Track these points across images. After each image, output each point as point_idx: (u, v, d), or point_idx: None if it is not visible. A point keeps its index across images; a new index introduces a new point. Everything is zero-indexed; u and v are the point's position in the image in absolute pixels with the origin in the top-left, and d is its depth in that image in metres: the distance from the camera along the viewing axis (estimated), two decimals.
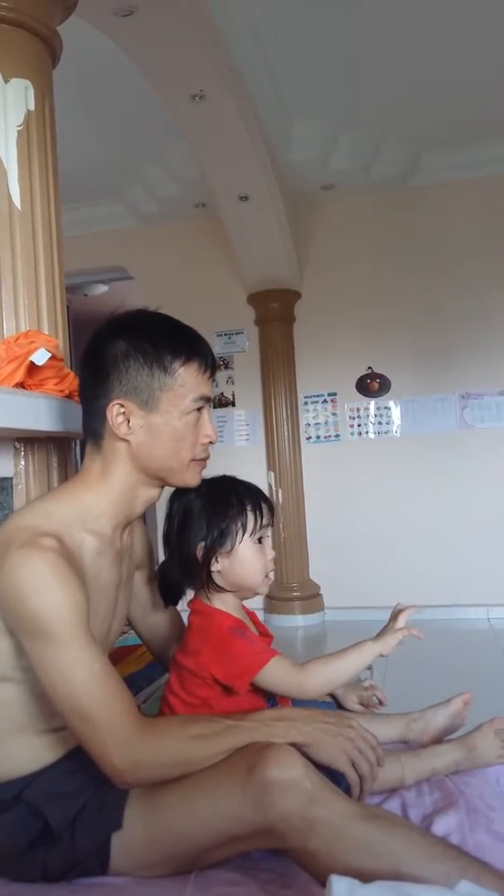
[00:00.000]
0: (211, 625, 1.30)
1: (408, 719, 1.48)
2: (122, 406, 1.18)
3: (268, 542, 1.38)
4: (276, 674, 1.26)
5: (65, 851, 1.11)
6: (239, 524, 1.32)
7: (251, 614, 1.46)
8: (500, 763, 1.41)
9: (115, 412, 1.18)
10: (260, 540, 1.36)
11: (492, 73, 3.65)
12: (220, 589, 1.34)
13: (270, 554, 1.38)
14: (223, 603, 1.35)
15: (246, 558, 1.33)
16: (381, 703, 1.56)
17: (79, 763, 1.14)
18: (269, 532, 1.38)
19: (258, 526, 1.34)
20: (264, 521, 1.36)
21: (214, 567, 1.33)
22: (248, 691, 1.29)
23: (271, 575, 1.38)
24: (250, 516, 1.33)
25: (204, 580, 1.33)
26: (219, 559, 1.33)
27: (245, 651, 1.26)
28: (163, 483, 1.26)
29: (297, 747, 1.13)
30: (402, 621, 1.33)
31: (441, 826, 1.23)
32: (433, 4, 3.08)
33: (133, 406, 1.18)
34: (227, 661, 1.26)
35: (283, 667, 1.27)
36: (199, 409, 1.23)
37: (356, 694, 1.54)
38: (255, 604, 4.37)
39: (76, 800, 1.14)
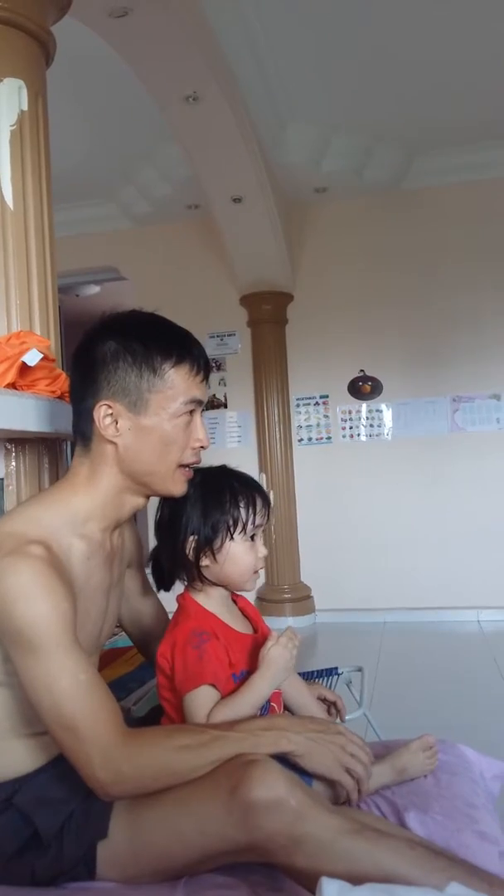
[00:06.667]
0: (180, 620, 1.29)
1: (393, 761, 1.40)
2: (109, 407, 1.16)
3: (260, 539, 1.34)
4: (192, 708, 1.20)
5: (52, 858, 1.10)
6: (230, 521, 1.29)
7: (245, 605, 1.43)
8: (426, 773, 1.39)
9: (102, 413, 1.16)
10: (252, 537, 1.32)
11: (484, 78, 3.67)
12: (208, 582, 1.32)
13: (262, 552, 1.34)
14: (207, 596, 1.33)
15: (235, 556, 1.30)
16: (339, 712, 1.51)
17: (68, 767, 1.14)
18: (262, 529, 1.35)
19: (251, 524, 1.31)
20: (257, 520, 1.32)
21: (203, 561, 1.30)
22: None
23: (260, 572, 1.35)
24: (242, 513, 1.30)
25: (192, 573, 1.31)
26: (207, 554, 1.30)
27: (189, 666, 1.22)
28: (147, 490, 1.23)
29: (288, 756, 1.13)
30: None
31: (414, 824, 1.23)
32: (428, 9, 3.10)
33: (121, 408, 1.16)
34: (177, 666, 1.24)
35: (201, 705, 1.20)
36: (190, 413, 1.20)
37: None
38: None
39: (65, 806, 1.12)
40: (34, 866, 1.11)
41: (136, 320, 1.23)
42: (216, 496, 1.30)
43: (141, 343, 1.17)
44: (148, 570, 1.41)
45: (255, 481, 1.37)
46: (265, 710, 1.30)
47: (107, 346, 1.17)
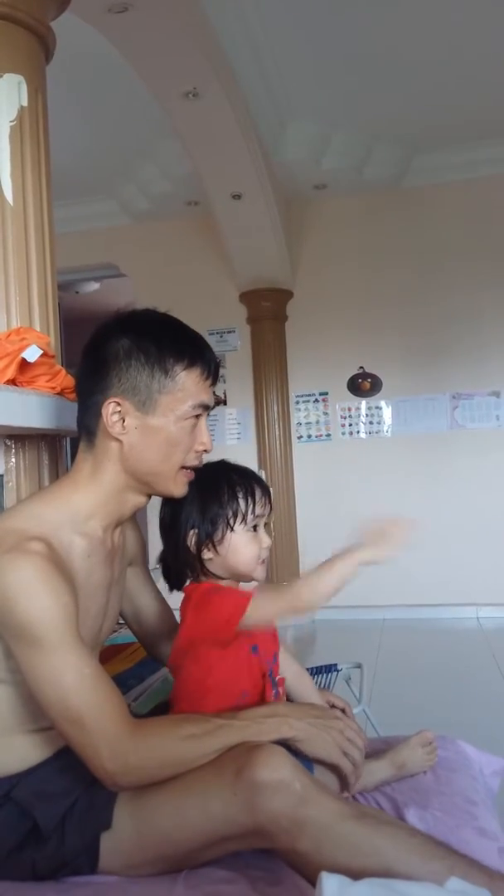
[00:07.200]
0: (191, 594, 1.30)
1: (392, 757, 1.42)
2: (118, 404, 1.16)
3: (263, 529, 1.34)
4: (262, 604, 1.22)
5: (53, 851, 1.11)
6: (230, 513, 1.29)
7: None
8: (425, 768, 1.40)
9: (110, 410, 1.16)
10: (255, 527, 1.32)
11: (484, 77, 3.66)
12: (214, 576, 1.32)
13: (266, 542, 1.33)
14: None
15: (237, 546, 1.30)
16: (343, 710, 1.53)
17: (68, 761, 1.14)
18: (264, 519, 1.34)
19: (251, 514, 1.30)
20: (258, 510, 1.31)
21: (206, 555, 1.30)
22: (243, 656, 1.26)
23: (265, 561, 1.34)
24: (242, 504, 1.29)
25: (197, 568, 1.31)
26: (210, 548, 1.30)
27: (225, 599, 1.23)
28: (148, 490, 1.24)
29: (290, 742, 1.14)
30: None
31: (413, 820, 1.24)
32: (427, 9, 3.09)
33: (129, 406, 1.16)
34: (209, 615, 1.23)
35: (267, 594, 1.22)
36: (196, 416, 1.21)
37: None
38: None
39: (65, 799, 1.13)
40: (35, 860, 1.11)
41: (152, 319, 1.23)
42: (214, 490, 1.30)
43: (155, 344, 1.17)
44: (159, 573, 1.42)
45: (254, 472, 1.37)
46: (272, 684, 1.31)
47: (121, 343, 1.18)
